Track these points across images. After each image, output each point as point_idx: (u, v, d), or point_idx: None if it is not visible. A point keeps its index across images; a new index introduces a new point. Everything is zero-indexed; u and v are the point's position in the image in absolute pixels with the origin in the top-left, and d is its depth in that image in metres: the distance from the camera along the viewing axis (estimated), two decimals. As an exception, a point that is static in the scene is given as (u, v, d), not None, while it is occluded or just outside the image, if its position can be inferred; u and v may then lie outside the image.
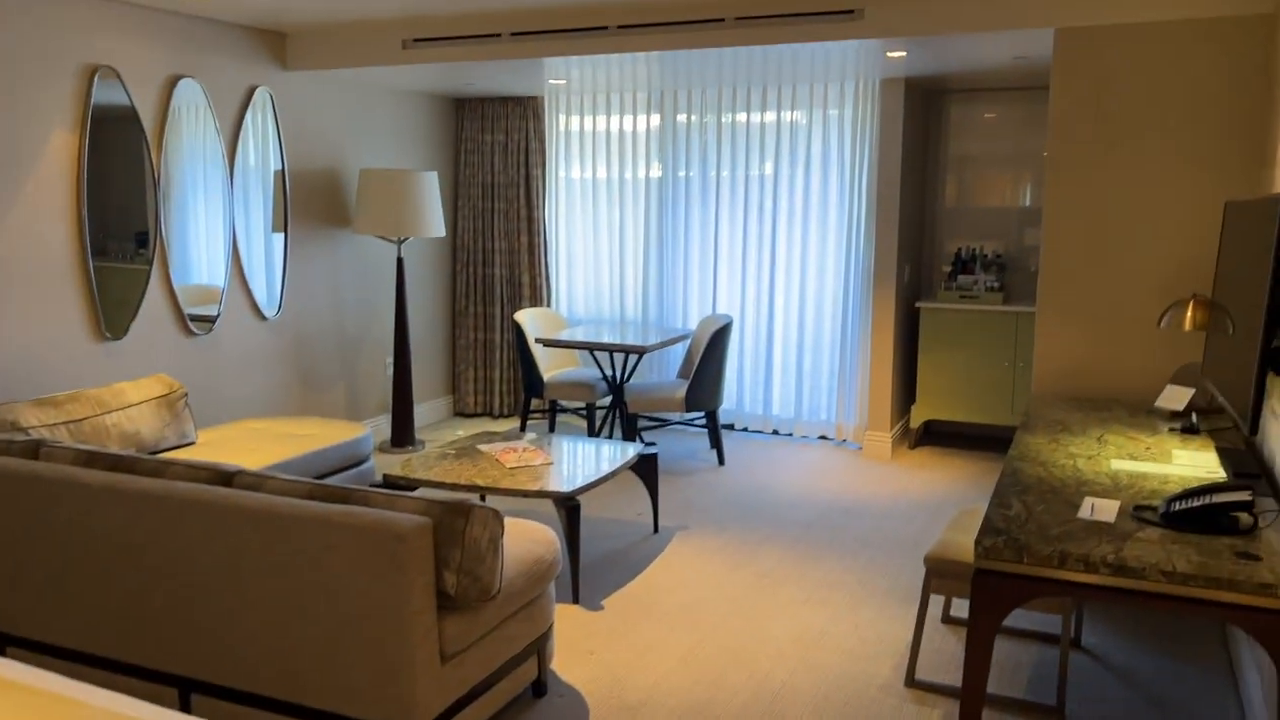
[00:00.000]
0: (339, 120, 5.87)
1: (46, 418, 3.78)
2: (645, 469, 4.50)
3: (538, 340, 5.78)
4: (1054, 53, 4.02)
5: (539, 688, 3.14)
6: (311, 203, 5.71)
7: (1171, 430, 3.41)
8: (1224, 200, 3.86)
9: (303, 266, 5.67)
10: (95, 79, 4.40)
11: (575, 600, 3.84)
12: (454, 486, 3.89)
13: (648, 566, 4.20)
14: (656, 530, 4.64)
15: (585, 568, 4.19)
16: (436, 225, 5.84)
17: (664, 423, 6.28)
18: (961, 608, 3.79)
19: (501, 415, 6.92)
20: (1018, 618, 3.74)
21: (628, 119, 6.54)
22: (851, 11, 4.22)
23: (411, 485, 3.99)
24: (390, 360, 6.42)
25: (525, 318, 6.09)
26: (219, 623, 2.73)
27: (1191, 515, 2.38)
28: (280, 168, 5.45)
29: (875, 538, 4.57)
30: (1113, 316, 4.06)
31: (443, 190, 6.81)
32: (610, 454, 4.32)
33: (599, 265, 6.75)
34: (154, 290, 4.77)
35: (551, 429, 6.51)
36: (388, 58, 5.16)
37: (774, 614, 3.75)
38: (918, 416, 6.12)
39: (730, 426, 6.61)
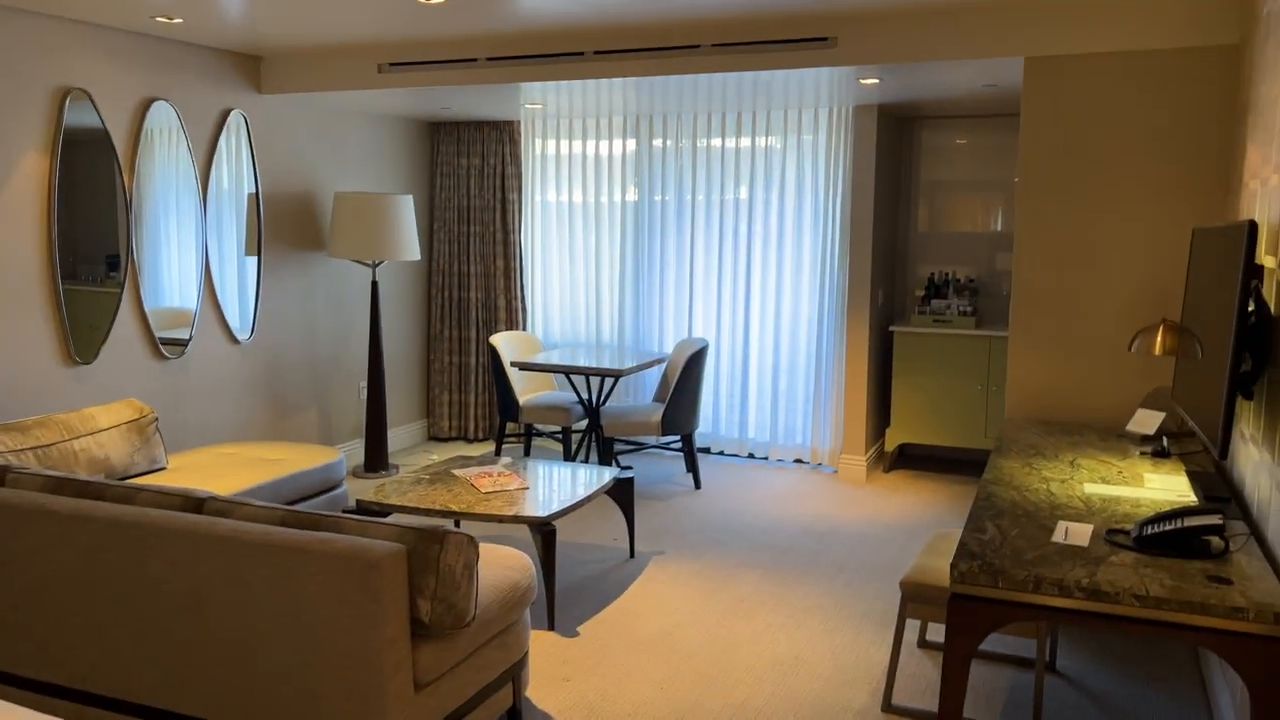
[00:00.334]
0: (314, 143, 5.85)
1: (13, 443, 3.72)
2: (621, 493, 4.49)
3: (513, 364, 5.77)
4: (1024, 82, 4.08)
5: (514, 716, 3.11)
6: (286, 226, 5.68)
7: (1143, 454, 3.45)
8: (1191, 227, 3.91)
9: (276, 290, 5.63)
10: (67, 101, 4.37)
11: (551, 626, 3.81)
12: (428, 512, 3.86)
13: (624, 592, 4.18)
14: (633, 555, 4.62)
15: (561, 593, 4.17)
16: (412, 249, 5.83)
17: (640, 446, 6.27)
18: (938, 632, 3.79)
19: (476, 439, 6.89)
20: (993, 642, 3.74)
21: (604, 143, 6.57)
22: (826, 39, 4.26)
23: (385, 511, 3.95)
24: (364, 384, 6.38)
25: (501, 341, 6.07)
26: (187, 652, 2.69)
27: (1164, 539, 2.40)
28: (254, 191, 5.42)
29: (851, 562, 4.57)
30: (1084, 341, 4.10)
31: (418, 214, 6.80)
32: (586, 478, 4.30)
33: (575, 288, 6.76)
34: (125, 314, 4.72)
35: (527, 453, 6.48)
36: (363, 82, 5.16)
37: (750, 639, 3.73)
38: (892, 440, 6.15)
39: (706, 450, 6.61)
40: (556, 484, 4.21)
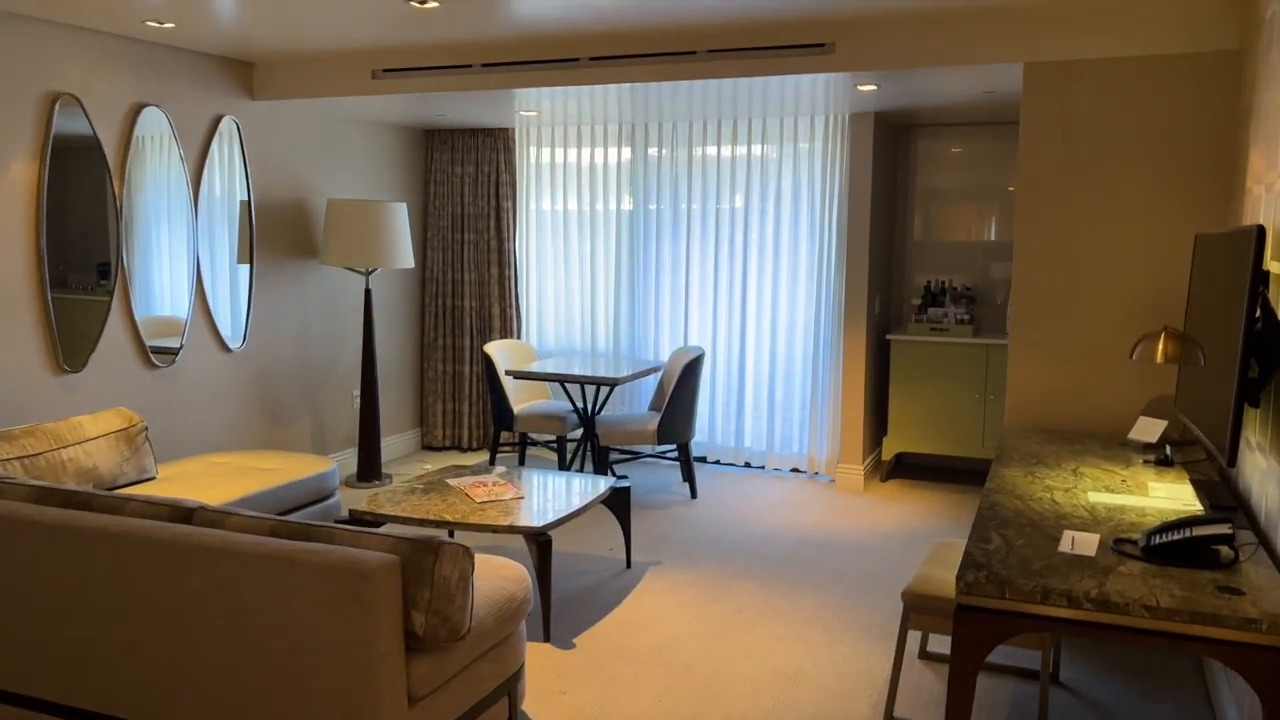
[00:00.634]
0: (307, 150, 5.81)
1: (0, 453, 3.66)
2: (617, 503, 4.44)
3: (508, 372, 5.72)
4: (1023, 87, 4.06)
5: (509, 730, 3.06)
6: (278, 233, 5.63)
7: (1146, 462, 3.41)
8: (1193, 233, 3.89)
9: (268, 298, 5.58)
10: (56, 107, 4.32)
11: (547, 638, 3.75)
12: (422, 522, 3.81)
13: (620, 603, 4.13)
14: (629, 566, 4.56)
15: (557, 605, 4.11)
16: (405, 257, 5.78)
17: (635, 455, 6.23)
18: (940, 643, 3.75)
19: (470, 448, 6.83)
20: (995, 653, 3.69)
21: (598, 151, 6.53)
22: (823, 45, 4.23)
23: (378, 521, 3.89)
24: (357, 393, 6.32)
25: (495, 349, 6.02)
26: (176, 665, 2.63)
27: (1172, 549, 2.36)
28: (246, 198, 5.37)
29: (849, 572, 4.53)
30: (1084, 349, 4.06)
31: (412, 222, 6.75)
32: (582, 488, 4.25)
33: (570, 297, 6.71)
34: (115, 322, 4.66)
35: (521, 462, 6.43)
36: (357, 88, 5.11)
37: (749, 651, 3.68)
38: (889, 449, 6.10)
39: (702, 459, 6.56)
40: (552, 493, 4.16)
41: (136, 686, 2.69)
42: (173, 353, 4.97)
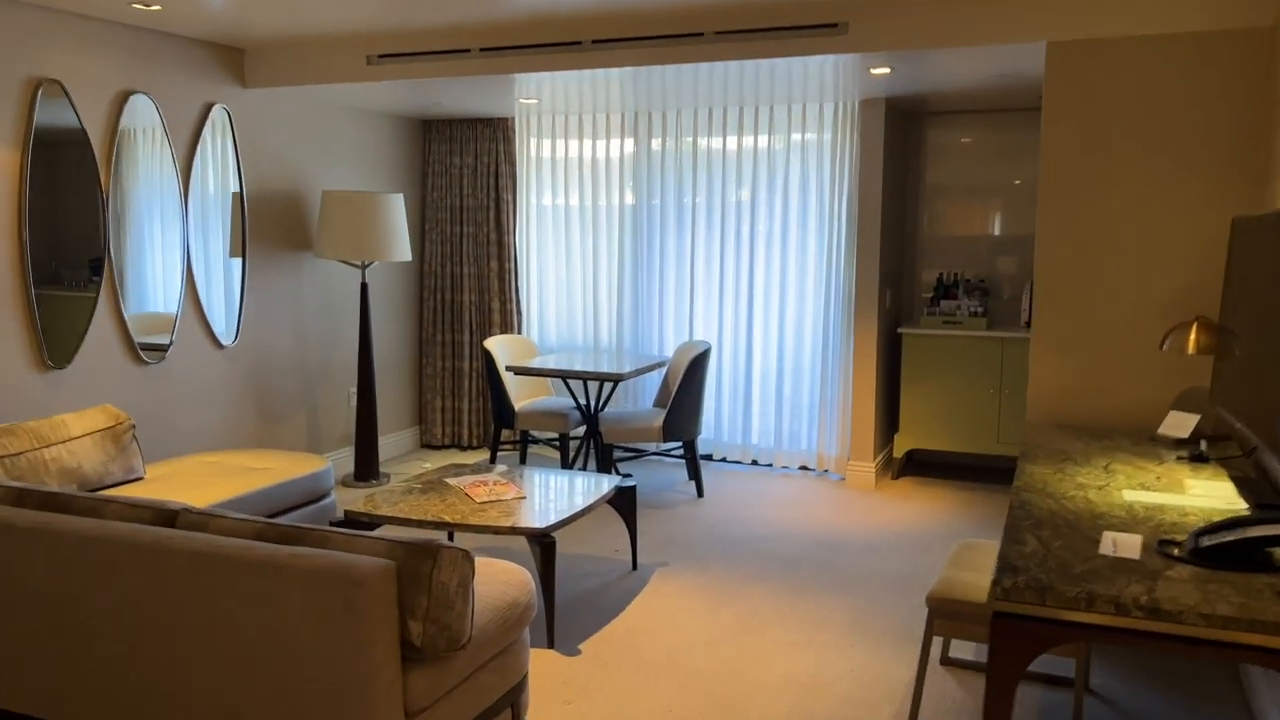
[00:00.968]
0: (301, 140, 5.64)
1: (-23, 452, 3.50)
2: (623, 503, 4.28)
3: (508, 368, 5.56)
4: (1046, 68, 3.89)
5: (512, 743, 2.90)
6: (272, 226, 5.46)
7: (1180, 459, 3.25)
8: (1226, 217, 3.72)
9: (262, 292, 5.42)
10: (39, 94, 4.16)
11: (551, 645, 3.59)
12: (420, 523, 3.65)
13: (627, 607, 3.97)
14: (635, 567, 4.40)
15: (561, 609, 3.95)
16: (402, 249, 5.62)
17: (640, 453, 6.07)
18: (962, 649, 3.59)
19: (470, 447, 6.67)
20: (1019, 658, 3.53)
21: (600, 143, 6.37)
22: (835, 25, 4.07)
23: (374, 522, 3.74)
24: (354, 390, 6.16)
25: (495, 345, 5.86)
26: (159, 676, 2.47)
27: (1223, 551, 2.20)
28: (239, 189, 5.21)
29: (863, 573, 4.37)
30: (1109, 341, 3.90)
31: (410, 214, 6.59)
32: (586, 487, 4.09)
33: (572, 290, 6.55)
34: (102, 316, 4.50)
35: (523, 460, 6.27)
36: (351, 74, 4.95)
37: (762, 658, 3.52)
38: (901, 446, 5.94)
39: (708, 457, 6.40)
40: (555, 493, 4.00)
41: (116, 699, 2.53)
42: (163, 349, 4.81)
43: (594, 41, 4.44)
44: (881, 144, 5.57)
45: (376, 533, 4.06)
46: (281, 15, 4.39)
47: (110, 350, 4.54)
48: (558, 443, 5.79)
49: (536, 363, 5.61)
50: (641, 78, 4.84)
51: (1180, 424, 3.47)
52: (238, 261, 5.25)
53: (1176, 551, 2.27)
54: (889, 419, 6.14)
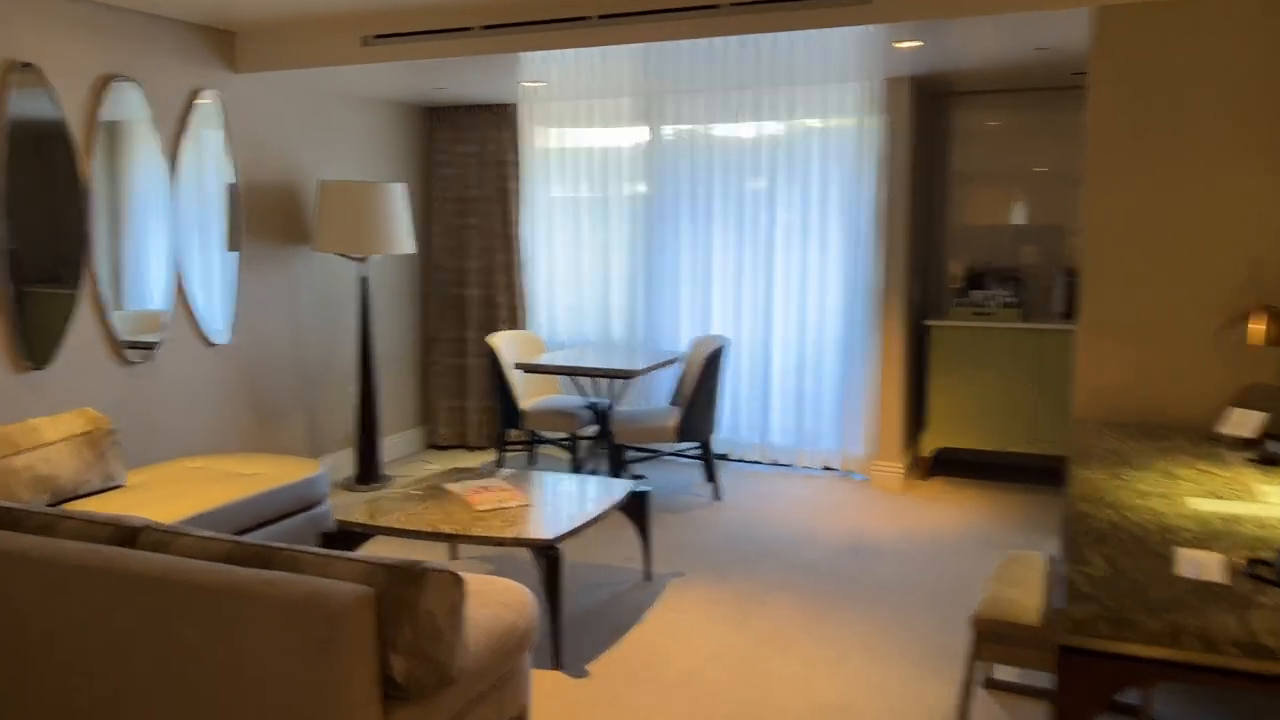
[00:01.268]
0: (296, 128, 5.38)
1: (-60, 461, 3.25)
2: (635, 509, 4.00)
3: (516, 365, 5.28)
4: (1092, 36, 3.58)
5: (513, 781, 2.63)
6: (266, 218, 5.21)
7: (1248, 461, 2.94)
8: (1288, 198, 3.41)
9: (256, 288, 5.16)
10: (12, 79, 3.90)
11: (557, 665, 3.32)
12: (416, 534, 3.38)
13: (639, 622, 3.69)
14: (649, 578, 4.13)
15: (568, 625, 3.68)
16: (404, 242, 5.35)
17: (654, 453, 5.79)
18: (1007, 669, 3.29)
19: (478, 447, 6.40)
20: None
21: (611, 131, 6.08)
22: (861, -6, 3.77)
23: (368, 532, 3.47)
24: (354, 389, 5.90)
25: (501, 341, 5.59)
26: (112, 713, 2.20)
27: (1325, 573, 1.90)
28: (231, 180, 4.95)
29: (893, 584, 4.08)
30: (1163, 332, 3.59)
31: (413, 205, 6.32)
32: (596, 493, 3.82)
33: (582, 284, 6.27)
34: (84, 314, 4.24)
35: (532, 462, 6.01)
36: (346, 56, 4.68)
37: (786, 679, 3.24)
38: (929, 444, 5.64)
39: (725, 456, 6.11)
40: (562, 500, 3.73)
41: (69, 740, 2.27)
42: (150, 347, 4.55)
43: (601, 16, 4.16)
44: (908, 125, 5.26)
45: (366, 547, 3.78)
46: (269, -8, 4.12)
47: (93, 350, 4.29)
48: (568, 443, 5.51)
49: (545, 360, 5.34)
50: (653, 56, 4.56)
51: (1245, 422, 3.17)
52: (232, 256, 4.99)
53: (1267, 573, 1.98)
54: (916, 416, 5.83)
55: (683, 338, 6.08)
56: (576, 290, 6.29)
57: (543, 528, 3.37)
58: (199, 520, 3.54)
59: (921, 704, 3.07)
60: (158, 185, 4.56)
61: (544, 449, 6.39)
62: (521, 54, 4.45)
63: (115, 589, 2.17)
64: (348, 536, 3.53)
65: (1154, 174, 3.54)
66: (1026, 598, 2.69)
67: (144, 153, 4.49)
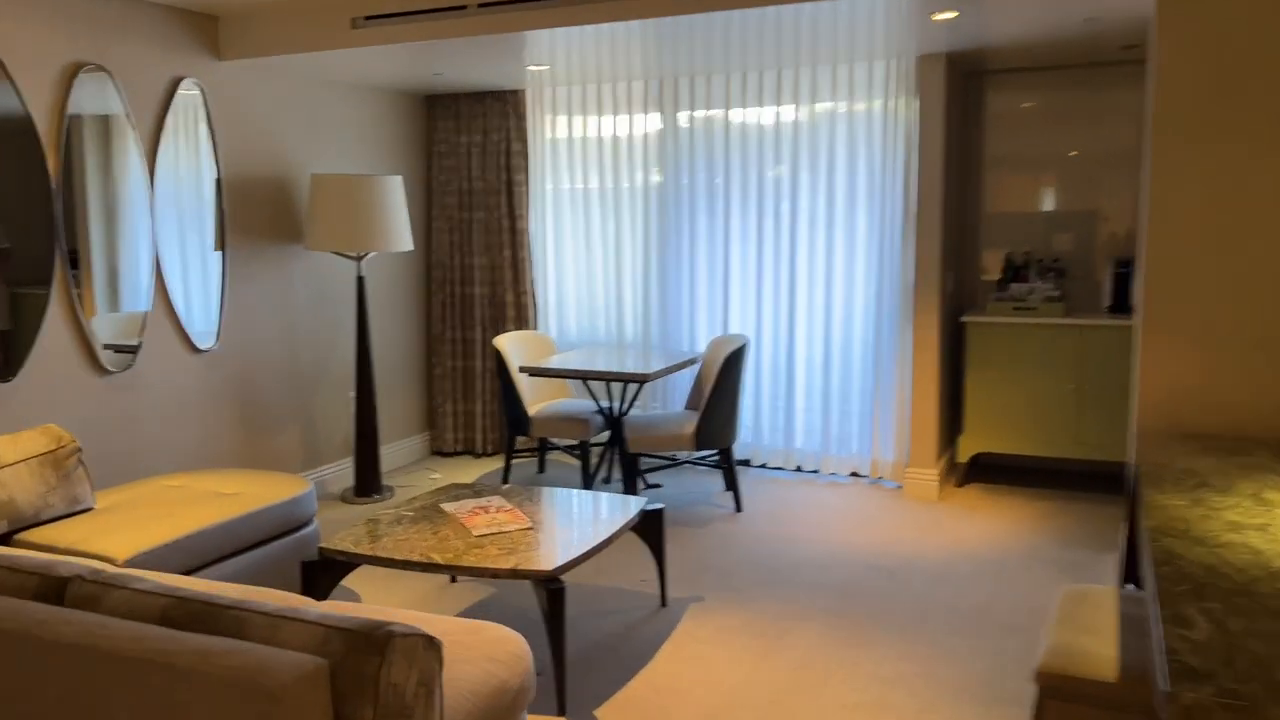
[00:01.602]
0: (286, 119, 5.06)
1: (-121, 489, 2.95)
2: (650, 529, 3.66)
3: (522, 369, 4.95)
4: (1158, 3, 3.19)
5: None
6: (255, 215, 4.89)
7: (1350, 483, 2.56)
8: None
9: (245, 289, 4.84)
10: (-33, 65, 3.60)
11: (561, 711, 2.98)
12: (404, 564, 3.05)
13: (654, 657, 3.35)
14: (664, 604, 3.78)
15: (574, 662, 3.34)
16: (402, 238, 5.02)
17: (671, 460, 5.44)
18: None
19: (485, 454, 6.07)
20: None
21: (622, 118, 5.73)
22: (894, -42, 3.40)
23: (351, 562, 3.15)
24: (353, 395, 5.58)
25: (507, 342, 5.26)
26: (32, 806, 1.88)
27: None
28: (216, 175, 4.63)
29: (934, 609, 3.72)
30: (1240, 332, 3.20)
31: (414, 200, 5.99)
32: (606, 512, 3.48)
33: (593, 281, 5.92)
34: (54, 321, 3.94)
35: (541, 470, 5.67)
36: (335, 40, 4.35)
37: (819, 726, 2.89)
38: (966, 449, 5.27)
39: (746, 463, 5.75)
40: (569, 520, 3.39)
41: (-15, 829, 1.95)
42: (129, 355, 4.24)
43: (607, -10, 3.80)
44: (942, 106, 4.88)
45: (354, 576, 3.40)
46: (245, -31, 3.79)
47: (65, 359, 3.98)
48: (579, 451, 5.18)
49: (554, 362, 5.00)
50: (666, 34, 4.20)
51: (1339, 436, 2.78)
52: (217, 255, 4.68)
53: None
54: (952, 419, 5.46)
55: (700, 337, 5.72)
56: (587, 288, 5.94)
57: (544, 556, 3.03)
58: (170, 549, 3.23)
59: (972, 757, 2.72)
60: (135, 181, 4.25)
61: (555, 455, 6.06)
62: (522, 34, 4.11)
63: (30, 660, 1.84)
64: (331, 565, 3.21)
65: (1228, 154, 3.15)
66: (1100, 646, 2.33)
67: (119, 147, 4.17)
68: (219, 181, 4.65)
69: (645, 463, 5.80)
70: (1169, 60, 3.21)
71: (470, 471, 5.75)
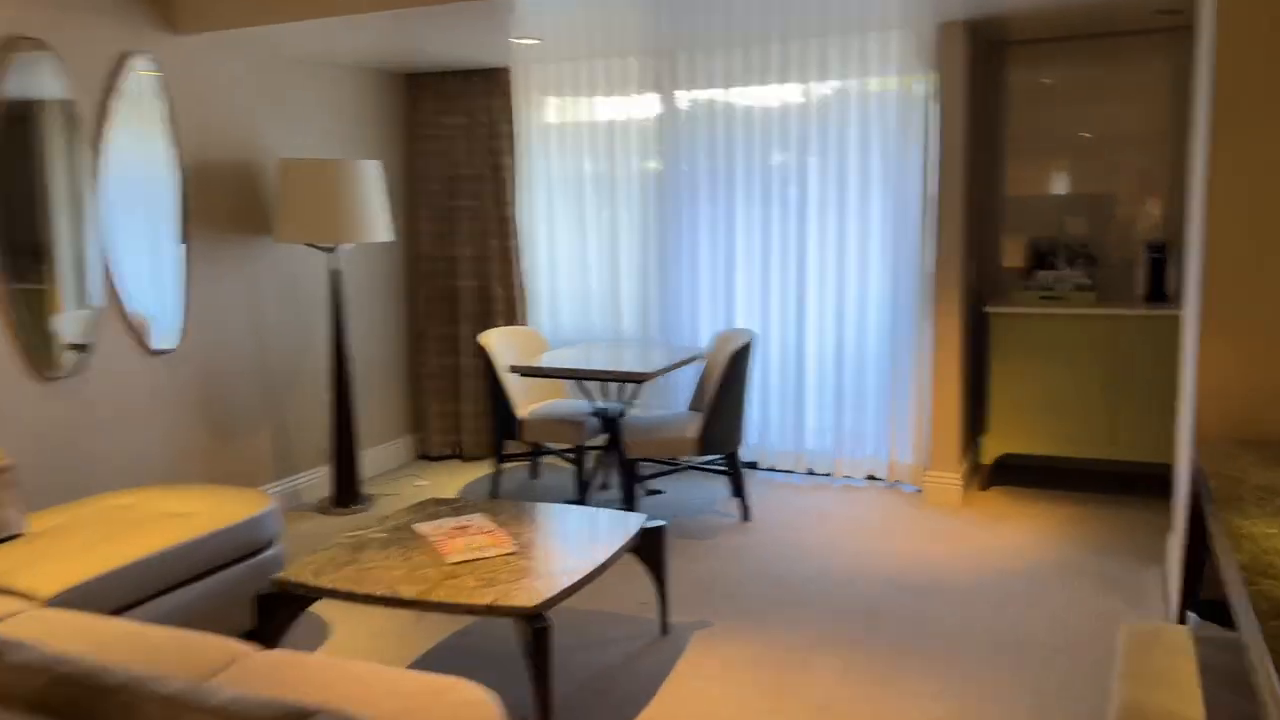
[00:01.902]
0: (252, 99, 4.67)
1: None
2: (649, 548, 3.29)
3: (511, 368, 4.57)
4: (1216, -52, 2.80)
5: None
6: (218, 204, 4.51)
7: None
8: None
9: (209, 285, 4.47)
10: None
11: (547, 767, 2.62)
12: (366, 599, 2.69)
13: (654, 697, 2.98)
14: (666, 631, 3.41)
15: (564, 704, 2.97)
16: (380, 228, 4.64)
17: (673, 464, 5.07)
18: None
19: (474, 457, 5.70)
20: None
21: (618, 98, 5.33)
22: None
23: (310, 595, 2.78)
24: (328, 398, 5.21)
25: (495, 339, 4.88)
26: None
27: None
28: (174, 160, 4.25)
29: (967, 634, 3.34)
30: (1315, 324, 2.82)
31: (395, 186, 5.60)
32: (602, 532, 3.11)
33: (587, 273, 5.54)
34: (-12, 323, 3.57)
35: (534, 476, 5.30)
36: (302, 9, 3.96)
37: (842, 783, 2.52)
38: (990, 450, 4.89)
39: (753, 465, 5.38)
40: (557, 543, 3.02)
41: None
42: (77, 356, 3.87)
43: (595, -52, 3.41)
44: (963, 81, 4.49)
45: (317, 608, 2.89)
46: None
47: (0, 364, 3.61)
48: (573, 455, 4.80)
49: (545, 360, 4.62)
50: (663, 1, 3.81)
51: None
52: (177, 248, 4.30)
53: None
54: (975, 417, 5.07)
55: (703, 332, 5.34)
56: (581, 280, 5.56)
57: (527, 589, 2.66)
58: (105, 582, 2.86)
59: (1021, 823, 2.35)
60: (79, 168, 3.87)
61: (549, 460, 5.68)
62: (510, 1, 3.72)
63: None
64: (288, 600, 2.84)
65: (1304, 122, 2.76)
66: (1181, 704, 1.96)
67: (58, 130, 3.79)
68: (176, 167, 4.26)
69: (645, 468, 5.43)
70: (1229, 35, 2.82)
71: (458, 478, 5.38)
